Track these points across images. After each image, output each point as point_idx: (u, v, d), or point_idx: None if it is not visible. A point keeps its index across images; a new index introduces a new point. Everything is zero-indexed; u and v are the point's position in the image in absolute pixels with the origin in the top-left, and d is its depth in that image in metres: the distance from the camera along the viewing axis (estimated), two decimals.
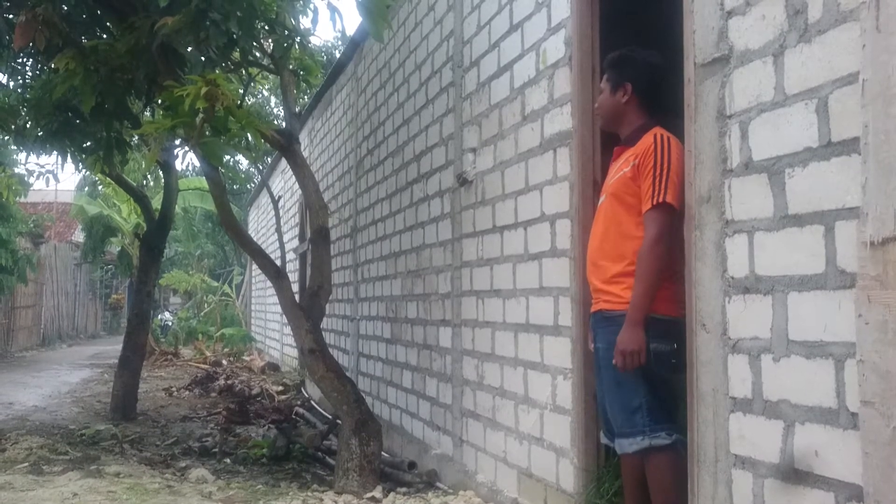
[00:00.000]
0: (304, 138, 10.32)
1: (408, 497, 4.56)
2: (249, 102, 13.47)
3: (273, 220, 10.08)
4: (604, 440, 3.14)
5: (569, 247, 3.48)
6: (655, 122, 2.96)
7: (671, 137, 2.83)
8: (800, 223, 2.13)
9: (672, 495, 2.68)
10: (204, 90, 4.19)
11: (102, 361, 14.74)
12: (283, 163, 11.07)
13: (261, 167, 16.01)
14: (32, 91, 6.80)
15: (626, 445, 2.81)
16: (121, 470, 5.21)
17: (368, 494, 4.53)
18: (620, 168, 2.94)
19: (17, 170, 11.93)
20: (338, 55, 10.46)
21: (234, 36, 4.71)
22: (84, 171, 9.39)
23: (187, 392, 10.21)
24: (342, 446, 4.82)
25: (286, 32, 5.42)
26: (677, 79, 2.69)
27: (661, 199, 2.73)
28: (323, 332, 5.38)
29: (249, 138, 5.18)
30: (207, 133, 4.83)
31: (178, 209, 12.65)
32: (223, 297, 19.28)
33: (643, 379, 2.78)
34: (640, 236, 2.81)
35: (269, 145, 5.37)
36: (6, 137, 8.80)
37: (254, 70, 6.31)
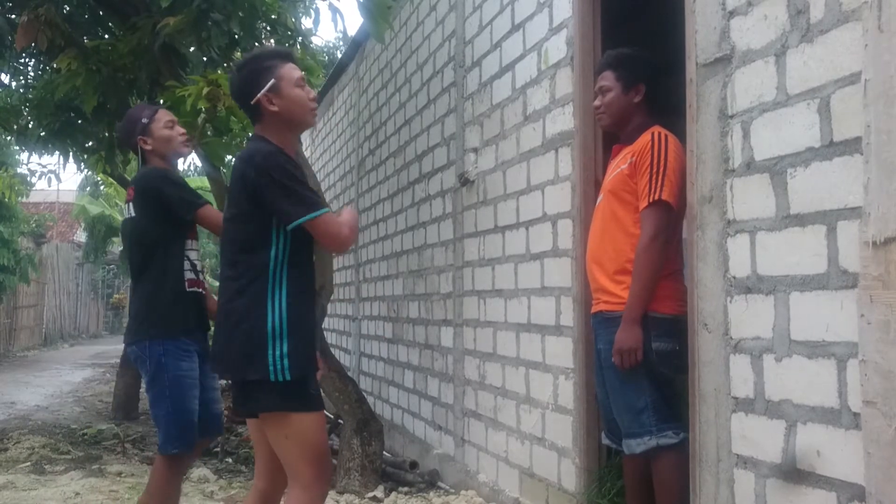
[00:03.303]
0: (305, 138, 10.33)
1: (409, 497, 4.56)
2: None
3: None
4: (605, 441, 3.14)
5: (570, 247, 3.48)
6: (654, 121, 2.95)
7: (669, 135, 2.83)
8: (802, 223, 2.13)
9: (677, 494, 2.68)
10: (206, 90, 4.20)
11: (104, 361, 14.75)
12: None
13: None
14: (35, 91, 6.81)
15: (634, 446, 2.79)
16: (123, 469, 5.21)
17: (370, 494, 4.54)
18: (618, 165, 2.93)
19: (19, 170, 11.96)
20: (339, 55, 10.47)
21: (236, 36, 4.72)
22: (86, 171, 9.41)
23: None
24: (344, 446, 4.83)
25: (288, 33, 5.43)
26: (679, 79, 2.69)
27: (657, 197, 2.72)
28: (324, 332, 5.38)
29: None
30: (209, 133, 4.84)
31: None
32: None
33: (648, 378, 2.77)
34: (638, 234, 2.81)
35: None
36: (8, 137, 8.82)
37: None
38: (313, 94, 2.56)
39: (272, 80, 2.42)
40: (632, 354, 2.72)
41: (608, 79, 3.00)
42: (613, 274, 2.88)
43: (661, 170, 2.74)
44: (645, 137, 2.85)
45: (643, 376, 2.77)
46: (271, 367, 2.32)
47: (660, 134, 2.82)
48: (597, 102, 3.06)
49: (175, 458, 3.10)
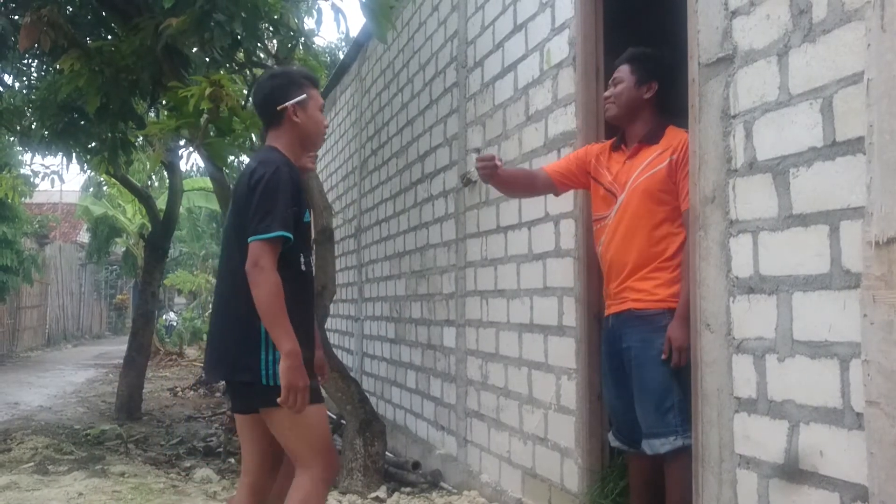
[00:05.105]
0: None
1: (412, 497, 4.56)
2: None
3: None
4: (614, 443, 3.09)
5: (573, 247, 3.48)
6: (669, 122, 2.93)
7: None
8: (804, 223, 2.13)
9: (689, 494, 2.67)
10: (208, 91, 4.22)
11: (107, 361, 14.78)
12: None
13: None
14: (38, 92, 6.82)
15: (658, 445, 2.75)
16: (126, 470, 5.22)
17: (373, 494, 4.54)
18: (652, 165, 2.86)
19: (22, 170, 11.98)
20: (341, 56, 10.47)
21: (239, 37, 4.73)
22: (89, 171, 9.42)
23: (192, 392, 10.23)
24: (346, 446, 4.83)
25: (290, 33, 5.43)
26: (681, 79, 2.69)
27: None
28: (327, 333, 5.39)
29: (253, 139, 5.19)
30: (212, 133, 4.85)
31: (182, 209, 12.67)
32: None
33: (676, 378, 2.74)
34: (676, 232, 2.78)
35: None
36: (12, 138, 8.83)
37: (258, 71, 6.31)
38: (328, 122, 2.78)
39: (304, 95, 2.64)
40: (686, 352, 2.68)
41: (623, 71, 2.99)
42: (646, 272, 2.82)
43: None
44: (681, 136, 2.81)
45: (671, 376, 2.74)
46: (263, 372, 2.40)
47: None
48: (607, 93, 3.05)
49: None
